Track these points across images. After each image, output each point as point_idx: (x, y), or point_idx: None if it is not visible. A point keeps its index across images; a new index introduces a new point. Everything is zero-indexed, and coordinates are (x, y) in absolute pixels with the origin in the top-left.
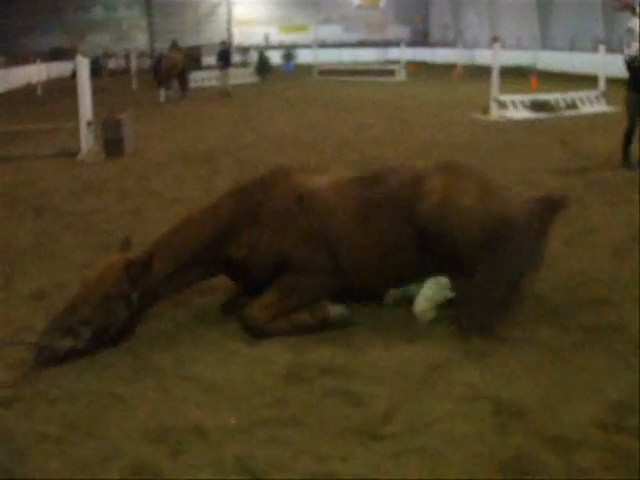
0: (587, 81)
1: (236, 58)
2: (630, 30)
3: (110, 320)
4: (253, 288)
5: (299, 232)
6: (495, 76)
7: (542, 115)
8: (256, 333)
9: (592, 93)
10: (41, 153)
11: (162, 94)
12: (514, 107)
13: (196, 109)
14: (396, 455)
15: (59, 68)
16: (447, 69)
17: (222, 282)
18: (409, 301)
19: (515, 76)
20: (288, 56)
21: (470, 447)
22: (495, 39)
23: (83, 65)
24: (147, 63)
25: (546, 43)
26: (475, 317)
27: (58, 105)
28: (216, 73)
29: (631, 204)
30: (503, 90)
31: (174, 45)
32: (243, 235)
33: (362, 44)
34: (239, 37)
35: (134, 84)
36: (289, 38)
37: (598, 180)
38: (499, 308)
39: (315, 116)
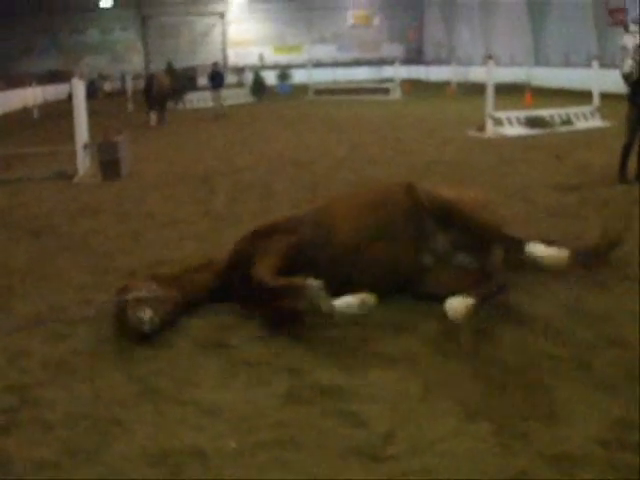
0: (581, 97)
1: (232, 78)
2: (624, 48)
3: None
4: None
5: None
6: (490, 93)
7: (537, 131)
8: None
9: (586, 109)
10: (38, 176)
11: (153, 118)
12: (509, 124)
13: (192, 130)
14: (399, 477)
15: (55, 91)
16: (441, 87)
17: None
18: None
19: (509, 92)
20: (283, 76)
21: (474, 466)
22: (489, 56)
23: (79, 88)
24: (143, 84)
25: (540, 59)
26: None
27: (54, 128)
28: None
29: (629, 219)
30: (498, 107)
31: (169, 66)
32: None
33: (356, 63)
34: (234, 57)
35: (130, 106)
36: (284, 58)
37: (594, 196)
38: None
39: (311, 136)
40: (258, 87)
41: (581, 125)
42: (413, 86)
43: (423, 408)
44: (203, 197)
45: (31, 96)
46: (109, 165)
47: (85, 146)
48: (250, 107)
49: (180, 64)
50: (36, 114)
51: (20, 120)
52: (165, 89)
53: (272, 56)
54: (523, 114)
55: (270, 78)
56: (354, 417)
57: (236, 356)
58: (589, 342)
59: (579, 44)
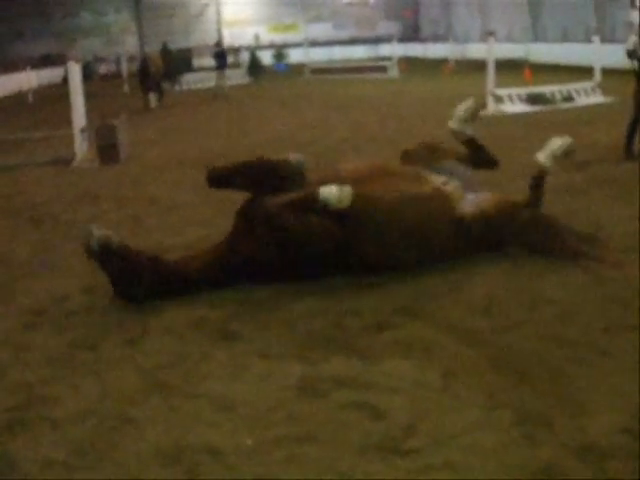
0: (580, 72)
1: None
2: (629, 23)
3: None
4: None
5: None
6: (491, 70)
7: (539, 108)
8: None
9: (587, 84)
10: (35, 161)
11: (152, 100)
12: (510, 101)
13: (190, 112)
14: (421, 471)
15: (49, 74)
16: (439, 64)
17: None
18: None
19: (508, 69)
20: (279, 56)
21: (498, 460)
22: (490, 33)
23: (75, 71)
24: (137, 67)
25: (538, 35)
26: None
27: (50, 112)
28: (208, 75)
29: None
30: (497, 84)
31: (164, 48)
32: None
33: (353, 41)
34: (229, 38)
35: (126, 88)
36: (279, 37)
37: (601, 173)
38: None
39: (310, 115)
40: (255, 67)
41: (582, 101)
42: (410, 64)
43: (443, 398)
44: (203, 180)
45: (25, 80)
46: (107, 149)
47: (82, 130)
48: (248, 87)
49: (175, 45)
50: (31, 98)
51: (15, 104)
52: (159, 71)
53: (267, 35)
54: (524, 91)
55: (266, 58)
56: (372, 409)
57: (247, 347)
58: (604, 326)
59: (577, 19)
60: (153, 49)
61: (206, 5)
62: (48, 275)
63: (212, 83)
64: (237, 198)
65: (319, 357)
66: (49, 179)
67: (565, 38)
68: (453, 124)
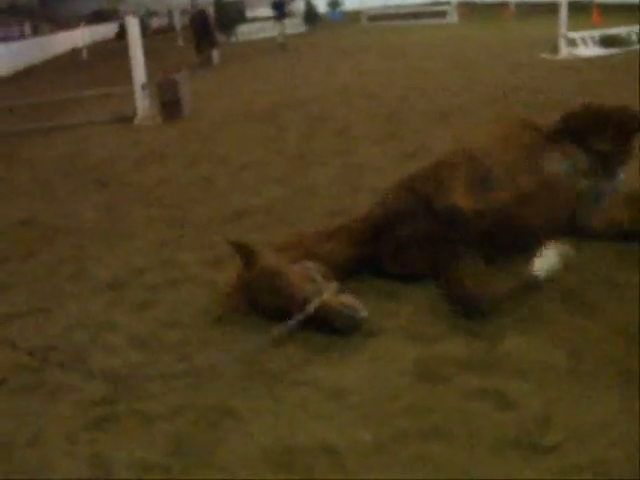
0: None
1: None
2: None
3: None
4: None
5: None
6: (563, 12)
7: (613, 50)
8: None
9: None
10: (95, 120)
11: (215, 55)
12: (584, 44)
13: (248, 63)
14: (567, 471)
15: (103, 30)
16: (499, 8)
17: None
18: None
19: (573, 11)
20: (334, 4)
21: None
22: None
23: (133, 25)
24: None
25: None
26: None
27: (105, 68)
28: (263, 25)
29: None
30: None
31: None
32: None
33: None
34: None
35: (180, 42)
36: None
37: None
38: None
39: (372, 64)
40: (311, 16)
41: None
42: (469, 9)
43: (575, 382)
44: (274, 134)
45: (79, 37)
46: (170, 105)
47: (143, 86)
48: (304, 37)
49: None
50: (85, 55)
51: (70, 62)
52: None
53: None
54: (597, 33)
55: (320, 6)
56: (500, 397)
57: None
58: None
59: None
60: (205, 1)
61: None
62: (120, 243)
63: (267, 33)
64: (310, 151)
65: (433, 335)
66: (111, 138)
67: None
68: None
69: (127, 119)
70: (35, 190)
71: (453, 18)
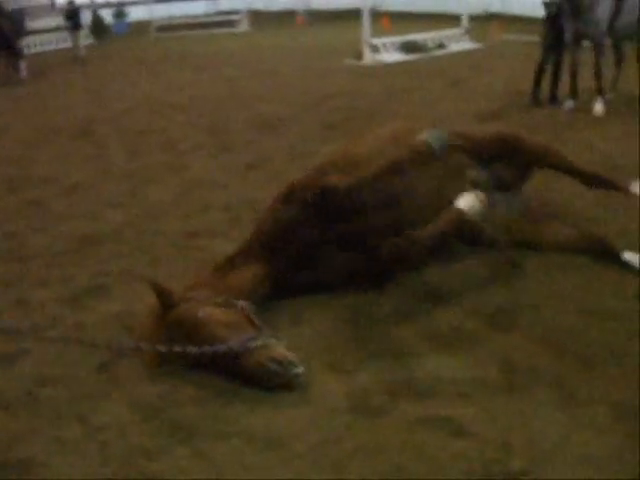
0: (442, 19)
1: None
2: None
3: None
4: None
5: None
6: (366, 19)
7: (414, 56)
8: None
9: (456, 31)
10: None
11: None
12: (386, 50)
13: (44, 78)
14: None
15: None
16: (288, 17)
17: None
18: None
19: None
20: (119, 14)
21: (615, 469)
22: None
23: None
24: None
25: None
26: None
27: None
28: (51, 36)
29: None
30: (356, 34)
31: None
32: None
33: None
34: None
35: None
36: None
37: (520, 120)
38: None
39: (176, 75)
40: (98, 27)
41: (454, 48)
42: (260, 18)
43: (518, 400)
44: (95, 152)
45: None
46: None
47: None
48: (95, 49)
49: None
50: None
51: None
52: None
53: None
54: (398, 39)
55: (107, 18)
56: (448, 424)
57: None
58: None
59: None
60: None
61: None
62: None
63: (52, 46)
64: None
65: (352, 363)
66: None
67: None
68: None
69: None
70: None
71: (244, 27)
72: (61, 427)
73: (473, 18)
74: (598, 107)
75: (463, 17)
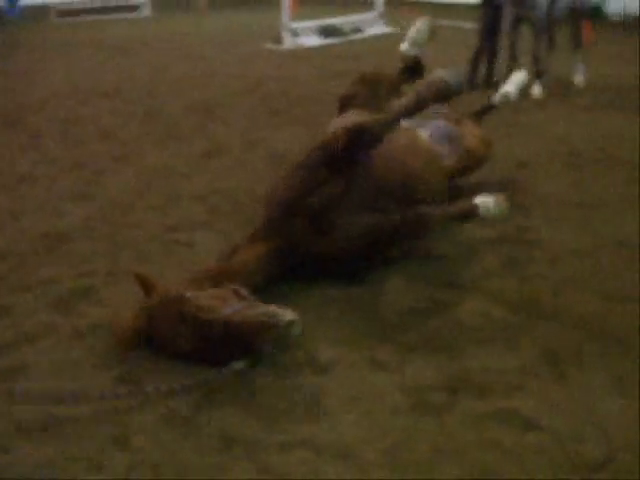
0: (352, 3)
1: None
2: None
3: None
4: None
5: None
6: (285, 2)
7: (333, 40)
8: None
9: (370, 15)
10: None
11: None
12: (305, 34)
13: None
14: None
15: None
16: (184, 1)
17: None
18: None
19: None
20: None
21: None
22: None
23: None
24: None
25: None
26: None
27: None
28: None
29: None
30: (264, 17)
31: None
32: None
33: None
34: None
35: None
36: None
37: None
38: None
39: (96, 63)
40: None
41: (370, 32)
42: (161, 2)
43: (577, 390)
44: (29, 142)
45: None
46: None
47: None
48: None
49: None
50: None
51: None
52: None
53: None
54: (315, 23)
55: None
56: (523, 420)
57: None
58: None
59: None
60: None
61: None
62: None
63: None
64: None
65: (395, 360)
66: None
67: None
68: (405, 47)
69: None
70: None
71: (147, 12)
72: (99, 451)
73: (387, 2)
74: (536, 90)
75: (377, 0)
